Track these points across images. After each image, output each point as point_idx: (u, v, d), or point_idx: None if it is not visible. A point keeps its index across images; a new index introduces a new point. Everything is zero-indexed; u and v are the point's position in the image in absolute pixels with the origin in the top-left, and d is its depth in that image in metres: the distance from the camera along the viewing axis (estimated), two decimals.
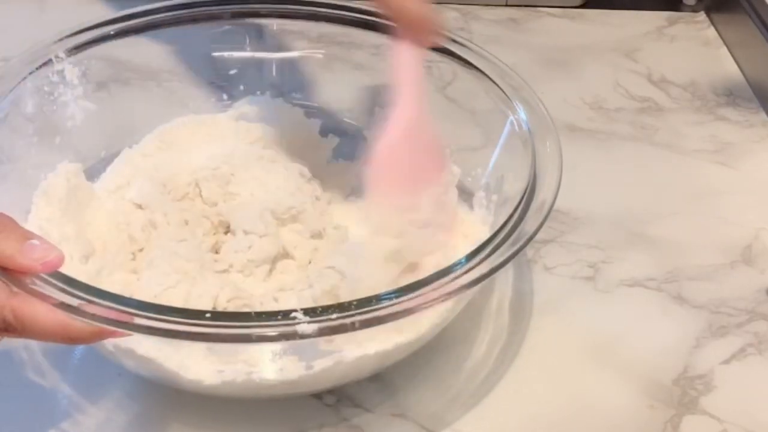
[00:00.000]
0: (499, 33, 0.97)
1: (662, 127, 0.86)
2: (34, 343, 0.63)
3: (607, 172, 0.81)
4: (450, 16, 0.98)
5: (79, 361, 0.63)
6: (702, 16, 1.03)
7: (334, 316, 0.50)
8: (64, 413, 0.60)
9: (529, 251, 0.72)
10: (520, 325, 0.67)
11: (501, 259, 0.55)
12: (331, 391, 0.61)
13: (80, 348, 0.63)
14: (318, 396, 0.61)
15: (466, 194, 0.69)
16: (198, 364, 0.56)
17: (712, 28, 1.01)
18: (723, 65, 0.95)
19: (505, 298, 0.69)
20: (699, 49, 0.98)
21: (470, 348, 0.65)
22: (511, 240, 0.56)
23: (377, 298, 0.52)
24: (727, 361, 0.65)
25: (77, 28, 0.70)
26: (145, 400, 0.61)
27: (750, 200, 0.79)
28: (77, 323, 0.49)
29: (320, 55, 0.78)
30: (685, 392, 0.63)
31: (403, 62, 0.61)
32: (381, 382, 0.62)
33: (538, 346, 0.65)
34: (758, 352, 0.66)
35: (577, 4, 1.02)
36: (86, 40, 0.70)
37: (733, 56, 0.96)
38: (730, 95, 0.91)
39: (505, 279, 0.70)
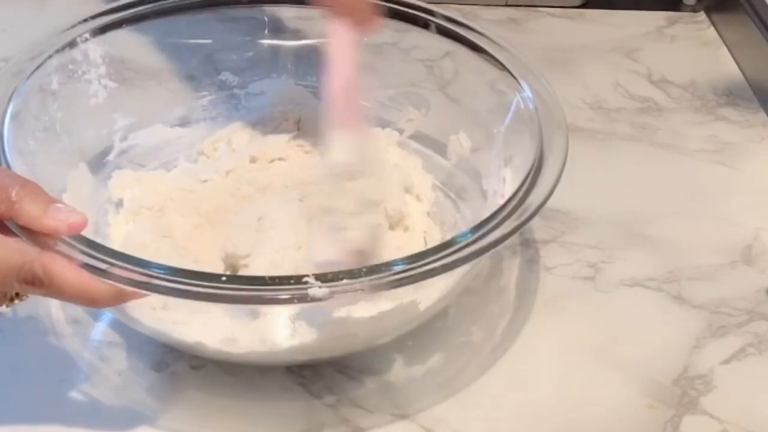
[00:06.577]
0: (499, 33, 0.97)
1: (662, 127, 0.86)
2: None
3: (607, 172, 0.81)
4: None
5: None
6: (702, 16, 1.03)
7: (344, 281, 0.52)
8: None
9: (528, 251, 0.72)
10: (520, 325, 0.67)
11: (507, 231, 0.57)
12: (331, 391, 0.62)
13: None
14: (318, 396, 0.61)
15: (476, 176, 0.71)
16: (215, 330, 0.59)
17: (712, 28, 1.01)
18: (723, 65, 0.95)
19: (505, 299, 0.69)
20: (699, 49, 0.98)
21: (470, 349, 0.65)
22: (516, 214, 0.58)
23: (386, 266, 0.54)
24: (727, 361, 0.65)
25: (101, 10, 0.72)
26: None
27: (750, 200, 0.79)
28: (101, 285, 0.51)
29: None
30: (685, 392, 0.63)
31: (341, 45, 0.63)
32: (381, 381, 0.62)
33: (537, 347, 0.65)
34: (758, 352, 0.66)
35: (577, 4, 1.02)
36: (110, 21, 0.71)
37: (733, 56, 0.96)
38: (730, 95, 0.91)
39: (505, 279, 0.70)
